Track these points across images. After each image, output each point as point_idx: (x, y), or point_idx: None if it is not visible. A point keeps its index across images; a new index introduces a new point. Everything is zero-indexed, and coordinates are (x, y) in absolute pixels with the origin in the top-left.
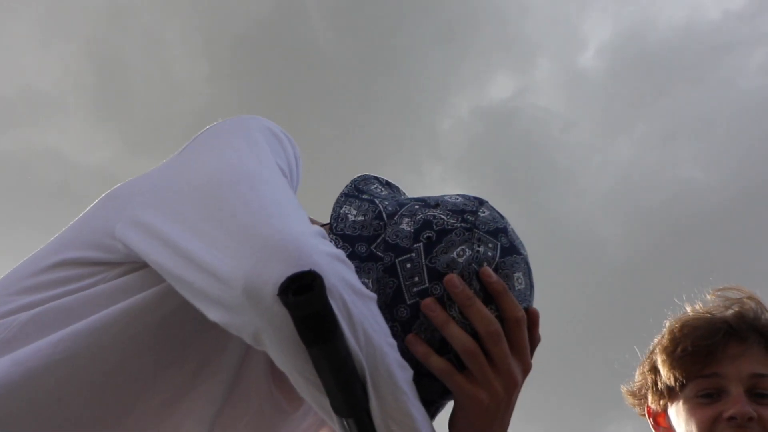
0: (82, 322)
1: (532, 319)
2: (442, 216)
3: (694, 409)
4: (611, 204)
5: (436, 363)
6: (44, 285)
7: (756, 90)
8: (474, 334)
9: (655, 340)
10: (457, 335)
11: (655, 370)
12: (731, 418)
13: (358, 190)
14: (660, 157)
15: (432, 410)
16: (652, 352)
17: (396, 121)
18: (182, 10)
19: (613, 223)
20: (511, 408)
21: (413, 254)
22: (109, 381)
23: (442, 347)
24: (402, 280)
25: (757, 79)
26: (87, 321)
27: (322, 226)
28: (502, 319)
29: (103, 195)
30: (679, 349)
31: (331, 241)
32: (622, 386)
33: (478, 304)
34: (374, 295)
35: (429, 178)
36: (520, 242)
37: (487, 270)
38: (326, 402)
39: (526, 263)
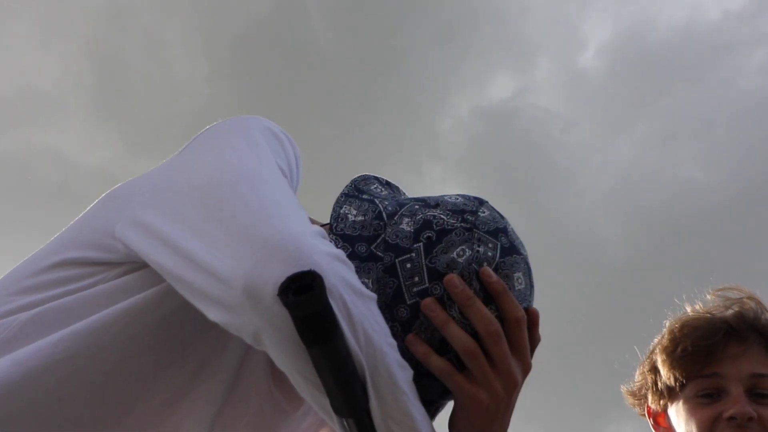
0: (82, 322)
1: (532, 319)
2: (442, 216)
3: (694, 409)
4: (611, 204)
5: (436, 363)
6: (44, 285)
7: (756, 90)
8: (474, 334)
9: (655, 340)
10: (457, 335)
11: (655, 370)
12: (731, 418)
13: (358, 190)
14: (660, 157)
15: (432, 410)
16: (652, 352)
17: (396, 121)
18: (182, 9)
19: (613, 223)
20: (511, 408)
21: (413, 254)
22: (109, 381)
23: (442, 347)
24: (402, 280)
25: (757, 79)
26: (87, 321)
27: (322, 226)
28: (502, 319)
29: (103, 195)
30: (679, 349)
31: (331, 241)
32: (622, 386)
33: (478, 304)
34: (374, 295)
35: (429, 178)
36: (520, 242)
37: (487, 270)
38: (326, 402)
39: (526, 263)
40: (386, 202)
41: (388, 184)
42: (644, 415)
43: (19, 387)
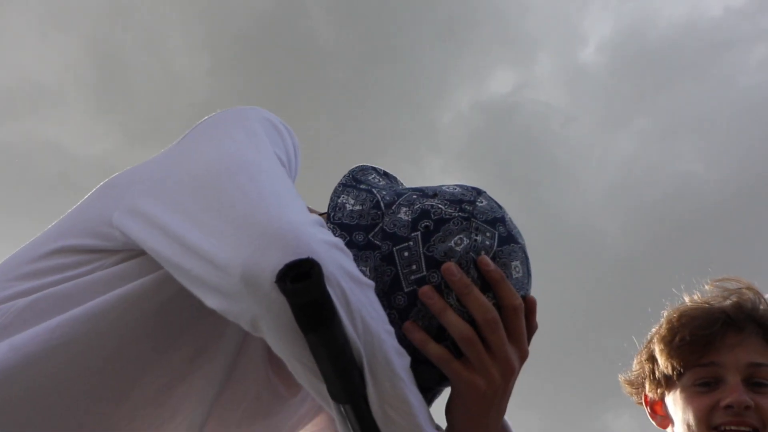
0: (80, 308)
1: (530, 306)
2: (440, 205)
3: (691, 397)
4: (611, 198)
5: (434, 350)
6: (42, 271)
7: (756, 86)
8: (471, 322)
9: (653, 330)
10: (454, 322)
11: (652, 359)
12: (728, 407)
13: (355, 180)
14: (660, 152)
15: (429, 396)
16: (650, 341)
17: (396, 115)
18: (183, 3)
19: (613, 217)
20: (507, 394)
21: (411, 243)
22: (106, 366)
23: (439, 335)
24: (400, 269)
25: (758, 75)
26: (85, 307)
27: (320, 215)
28: (499, 306)
29: (102, 183)
30: (677, 339)
31: (329, 230)
32: (619, 375)
33: (476, 291)
34: (372, 283)
35: (429, 171)
36: (518, 231)
37: (485, 258)
38: (324, 388)
39: (524, 252)
40: (384, 192)
41: (385, 175)
42: (641, 403)
43: (16, 372)
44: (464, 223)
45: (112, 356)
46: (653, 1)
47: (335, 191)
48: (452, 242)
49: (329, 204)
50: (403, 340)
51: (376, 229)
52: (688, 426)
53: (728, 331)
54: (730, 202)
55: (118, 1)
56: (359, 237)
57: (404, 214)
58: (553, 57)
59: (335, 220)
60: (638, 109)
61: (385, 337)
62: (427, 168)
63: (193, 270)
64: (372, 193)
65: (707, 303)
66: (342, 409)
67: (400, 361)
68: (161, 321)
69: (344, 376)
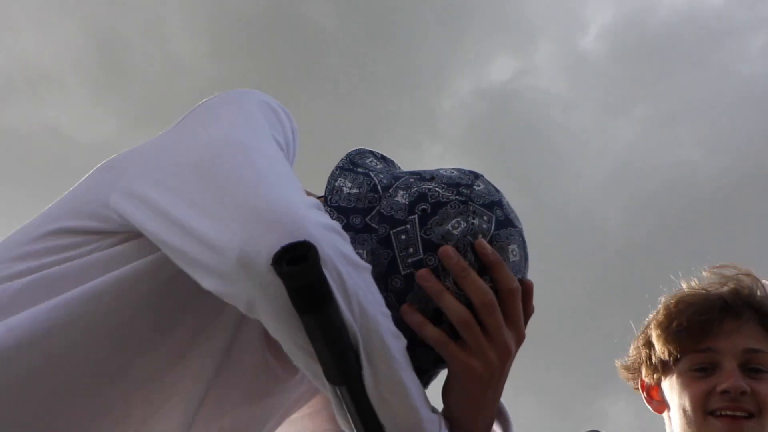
0: (77, 289)
1: (527, 290)
2: (437, 189)
3: (687, 382)
4: (610, 186)
5: (431, 332)
6: (39, 253)
7: (756, 74)
8: (468, 305)
9: (650, 316)
10: (451, 305)
11: (649, 344)
12: (724, 392)
13: (353, 164)
14: (660, 140)
15: (425, 379)
16: (647, 327)
17: (396, 100)
18: None
19: (612, 204)
20: (504, 377)
21: (408, 226)
22: (104, 347)
23: (436, 317)
24: (397, 252)
25: (758, 63)
26: (82, 288)
27: (317, 198)
28: (496, 290)
29: (99, 165)
30: (674, 324)
31: (326, 213)
32: (616, 360)
33: (473, 275)
34: (369, 266)
35: (428, 156)
36: (515, 215)
37: (482, 242)
38: (320, 370)
39: (521, 236)
40: (381, 176)
41: (383, 158)
42: (638, 389)
43: (13, 353)
44: (461, 206)
45: (109, 337)
46: None
47: (332, 174)
48: (449, 225)
49: (326, 187)
50: (399, 323)
51: (373, 213)
52: (684, 411)
53: (725, 317)
54: (729, 190)
55: None
56: (356, 220)
57: (401, 198)
58: (554, 44)
59: (332, 203)
60: (638, 96)
61: (381, 320)
62: (426, 153)
63: (190, 252)
64: (369, 176)
65: (705, 289)
66: (338, 391)
67: (397, 343)
68: (159, 302)
69: (340, 358)
